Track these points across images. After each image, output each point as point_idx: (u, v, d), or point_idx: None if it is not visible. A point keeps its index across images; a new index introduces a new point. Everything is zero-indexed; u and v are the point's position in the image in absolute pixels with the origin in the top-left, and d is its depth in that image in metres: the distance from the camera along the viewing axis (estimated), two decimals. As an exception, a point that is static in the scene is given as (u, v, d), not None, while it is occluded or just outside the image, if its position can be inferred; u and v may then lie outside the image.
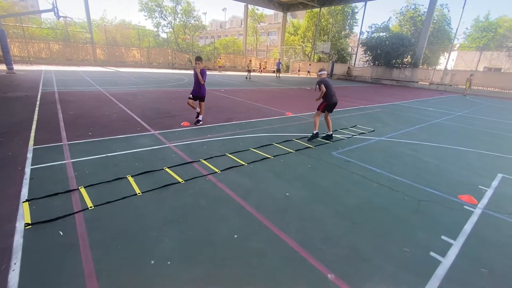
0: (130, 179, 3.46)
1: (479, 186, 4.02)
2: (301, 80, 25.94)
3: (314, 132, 5.75)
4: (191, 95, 6.42)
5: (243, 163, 4.20)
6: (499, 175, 4.52)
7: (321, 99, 5.72)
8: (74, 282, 1.89)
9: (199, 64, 6.16)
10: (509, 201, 3.62)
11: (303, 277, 2.09)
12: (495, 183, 4.18)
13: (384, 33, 30.28)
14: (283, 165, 4.31)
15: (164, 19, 35.63)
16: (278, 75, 26.93)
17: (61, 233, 2.37)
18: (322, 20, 37.78)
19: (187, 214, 2.82)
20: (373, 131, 6.90)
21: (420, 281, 2.14)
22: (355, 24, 37.93)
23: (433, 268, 2.29)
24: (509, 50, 29.44)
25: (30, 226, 2.42)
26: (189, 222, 2.69)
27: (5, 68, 15.33)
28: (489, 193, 3.81)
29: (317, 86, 5.68)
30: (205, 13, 62.67)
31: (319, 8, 35.19)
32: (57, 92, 9.69)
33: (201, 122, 6.53)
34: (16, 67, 17.17)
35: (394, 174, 4.26)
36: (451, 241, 2.66)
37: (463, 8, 30.91)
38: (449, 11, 36.39)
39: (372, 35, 30.62)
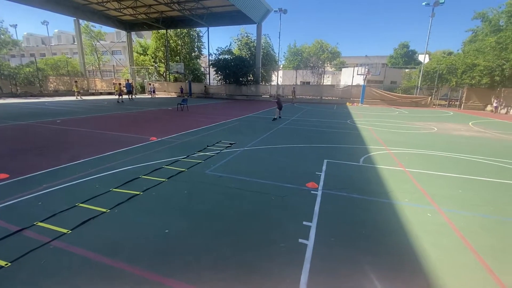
0: None
1: (316, 173, 5.28)
2: (158, 100, 24.91)
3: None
4: None
5: (104, 210, 3.46)
6: (325, 161, 6.14)
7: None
8: None
9: None
10: (334, 179, 4.97)
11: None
12: (324, 168, 5.63)
13: (229, 56, 34.58)
14: (156, 199, 3.91)
15: None
16: (130, 96, 24.62)
17: None
18: (171, 41, 38.25)
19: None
20: (235, 143, 7.62)
21: (297, 270, 2.50)
22: (202, 46, 40.96)
23: (303, 252, 2.76)
24: (311, 69, 41.17)
25: None
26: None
27: None
28: (322, 176, 5.08)
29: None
30: (14, 26, 48.15)
31: (165, 30, 35.38)
32: None
33: None
34: None
35: (260, 178, 4.85)
36: (309, 223, 3.32)
37: (279, 38, 40.43)
38: (270, 39, 46.38)
39: (219, 57, 34.17)
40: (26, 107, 15.97)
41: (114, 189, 4.14)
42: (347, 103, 27.39)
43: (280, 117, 13.99)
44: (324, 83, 35.35)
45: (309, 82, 41.22)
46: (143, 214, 3.45)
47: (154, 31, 37.64)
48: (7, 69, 24.89)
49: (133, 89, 25.33)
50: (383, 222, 3.43)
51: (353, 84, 29.13)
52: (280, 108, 13.86)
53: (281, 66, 48.57)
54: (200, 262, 2.54)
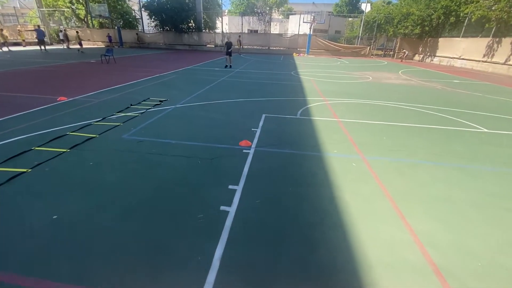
0: None
1: (252, 129, 4.98)
2: (79, 52, 20.80)
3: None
4: None
5: (-32, 198, 2.64)
6: (263, 115, 5.85)
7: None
8: None
9: None
10: (270, 135, 4.74)
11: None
12: (261, 123, 5.35)
13: (163, -4, 29.66)
14: (48, 176, 3.16)
15: None
16: (43, 47, 19.97)
17: None
18: (88, -25, 30.72)
19: None
20: (167, 100, 6.75)
21: (213, 243, 2.25)
22: (130, -17, 34.07)
23: (223, 220, 2.51)
24: (258, 15, 38.49)
25: None
26: None
27: None
28: (258, 133, 4.81)
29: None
30: None
31: (75, -42, 27.97)
32: None
33: None
34: None
35: (189, 140, 4.35)
36: (235, 187, 3.06)
37: (222, -24, 35.76)
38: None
39: (153, -2, 29.13)
40: None
41: (-10, 169, 3.21)
42: (294, 54, 26.98)
43: (230, 65, 13.61)
44: (272, 32, 33.78)
45: (257, 30, 38.94)
46: (26, 198, 2.74)
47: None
48: None
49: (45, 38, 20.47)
50: (310, 176, 3.38)
51: (299, 33, 28.40)
52: (229, 54, 13.38)
53: (227, 11, 44.30)
54: (91, 253, 2.10)
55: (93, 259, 2.04)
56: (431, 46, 24.16)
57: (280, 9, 47.26)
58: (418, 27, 23.84)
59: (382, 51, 28.07)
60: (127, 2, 34.32)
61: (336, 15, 38.66)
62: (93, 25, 31.74)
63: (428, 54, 24.47)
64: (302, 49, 27.46)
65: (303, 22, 26.97)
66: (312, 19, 26.20)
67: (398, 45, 26.34)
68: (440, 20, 22.67)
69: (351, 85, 10.37)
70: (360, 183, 3.28)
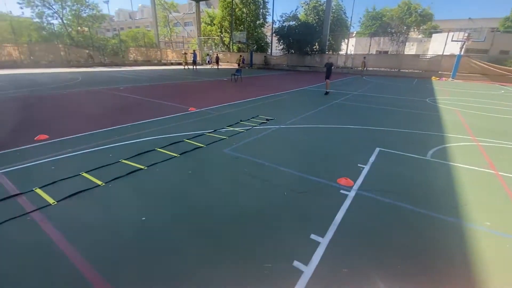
0: None
1: (358, 165, 4.11)
2: (218, 71, 25.13)
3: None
4: None
5: (99, 183, 3.27)
6: (377, 149, 4.80)
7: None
8: None
9: None
10: (381, 177, 3.75)
11: None
12: (372, 159, 4.36)
13: (294, 22, 31.94)
14: (155, 176, 3.56)
15: (49, 8, 29.45)
16: (194, 67, 25.58)
17: None
18: (236, 9, 37.48)
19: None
20: (273, 119, 6.76)
21: (272, 310, 1.74)
22: (267, 13, 38.91)
23: (292, 283, 1.95)
24: (391, 35, 34.91)
25: None
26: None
27: None
28: (365, 170, 3.90)
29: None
30: (106, 1, 54.75)
31: (231, -3, 34.69)
32: None
33: None
34: None
35: (282, 165, 4.01)
36: (319, 238, 2.42)
37: (355, -1, 34.99)
38: (342, 0, 40.69)
39: (283, 24, 31.91)
40: (106, 75, 18.14)
41: (123, 160, 3.97)
42: (433, 78, 22.49)
43: (327, 92, 11.77)
44: (405, 53, 29.73)
45: (387, 51, 35.36)
46: (131, 194, 3.12)
47: (220, -1, 37.38)
48: (98, 42, 28.69)
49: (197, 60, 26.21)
50: (436, 253, 2.27)
51: (444, 53, 23.51)
52: (328, 77, 11.56)
53: (355, 33, 42.79)
54: (164, 264, 2.03)
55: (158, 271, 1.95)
56: None
57: (421, 28, 41.26)
58: None
59: None
60: (262, 29, 39.25)
61: (504, 32, 29.79)
62: (232, 49, 38.01)
63: None
64: (446, 73, 22.53)
65: (452, 40, 22.18)
66: (465, 37, 21.14)
67: None
68: None
69: (524, 124, 7.28)
70: (539, 296, 1.91)
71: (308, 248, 2.31)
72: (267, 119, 6.70)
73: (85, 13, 31.83)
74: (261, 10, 38.57)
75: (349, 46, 32.26)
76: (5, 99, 8.68)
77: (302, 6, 35.35)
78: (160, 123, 6.21)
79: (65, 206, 2.81)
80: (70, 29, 30.54)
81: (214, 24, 41.32)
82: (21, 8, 41.64)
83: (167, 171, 3.72)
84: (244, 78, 17.56)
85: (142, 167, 3.78)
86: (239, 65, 25.69)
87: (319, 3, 33.94)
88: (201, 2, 38.36)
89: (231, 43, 37.95)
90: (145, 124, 6.11)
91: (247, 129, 5.83)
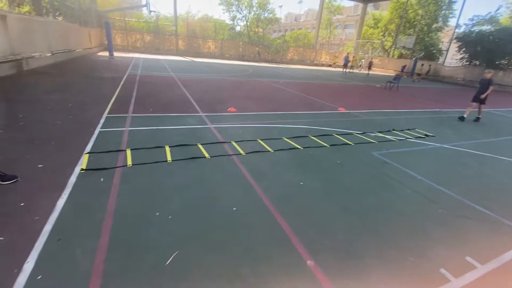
0: (167, 148, 4.00)
1: (559, 216, 3.15)
2: (370, 77, 23.68)
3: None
4: None
5: (270, 150, 4.30)
6: None
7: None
8: (97, 215, 2.40)
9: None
10: None
11: (280, 255, 2.13)
12: None
13: (489, 26, 24.89)
14: (309, 157, 4.24)
15: (240, 12, 37.42)
16: (345, 70, 25.41)
17: (102, 180, 2.98)
18: (410, 11, 33.36)
19: (201, 183, 3.14)
20: (434, 136, 5.99)
21: (411, 293, 1.92)
22: (451, 15, 32.19)
23: (439, 284, 2.01)
24: None
25: (84, 171, 3.12)
26: (199, 189, 3.00)
27: (108, 55, 19.03)
28: None
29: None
30: (280, 6, 62.64)
31: (407, -3, 31.19)
32: (139, 75, 11.48)
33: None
34: (117, 54, 20.92)
35: (439, 184, 3.70)
36: (477, 264, 2.24)
37: None
38: None
39: (472, 29, 25.54)
40: (269, 70, 21.44)
41: (285, 138, 4.94)
42: None
43: (478, 117, 8.31)
44: None
45: None
46: (293, 163, 3.93)
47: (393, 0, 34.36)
48: (267, 41, 33.84)
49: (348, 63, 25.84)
50: None
51: None
52: (482, 102, 8.14)
53: None
54: (309, 220, 2.62)
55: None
56: None
57: None
58: None
59: None
60: (438, 34, 33.02)
61: None
62: (393, 55, 34.44)
63: None
64: None
65: None
66: None
67: None
68: None
69: None
70: None
71: (460, 265, 2.21)
72: (426, 135, 6.04)
73: (263, 16, 38.20)
74: (442, 12, 32.46)
75: None
76: (216, 80, 12.26)
77: (509, 7, 26.79)
78: (313, 116, 6.98)
79: (250, 157, 3.97)
80: (249, 30, 37.68)
81: (378, 27, 38.79)
82: (224, 13, 55.59)
83: (319, 155, 4.33)
84: (400, 87, 15.86)
85: (299, 147, 4.57)
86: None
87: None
88: (368, 4, 36.82)
89: (392, 48, 34.50)
90: (300, 114, 7.05)
91: (399, 139, 5.56)
